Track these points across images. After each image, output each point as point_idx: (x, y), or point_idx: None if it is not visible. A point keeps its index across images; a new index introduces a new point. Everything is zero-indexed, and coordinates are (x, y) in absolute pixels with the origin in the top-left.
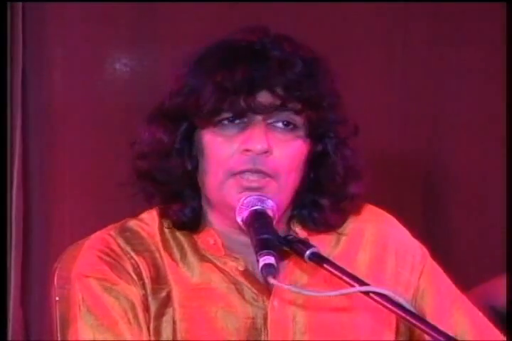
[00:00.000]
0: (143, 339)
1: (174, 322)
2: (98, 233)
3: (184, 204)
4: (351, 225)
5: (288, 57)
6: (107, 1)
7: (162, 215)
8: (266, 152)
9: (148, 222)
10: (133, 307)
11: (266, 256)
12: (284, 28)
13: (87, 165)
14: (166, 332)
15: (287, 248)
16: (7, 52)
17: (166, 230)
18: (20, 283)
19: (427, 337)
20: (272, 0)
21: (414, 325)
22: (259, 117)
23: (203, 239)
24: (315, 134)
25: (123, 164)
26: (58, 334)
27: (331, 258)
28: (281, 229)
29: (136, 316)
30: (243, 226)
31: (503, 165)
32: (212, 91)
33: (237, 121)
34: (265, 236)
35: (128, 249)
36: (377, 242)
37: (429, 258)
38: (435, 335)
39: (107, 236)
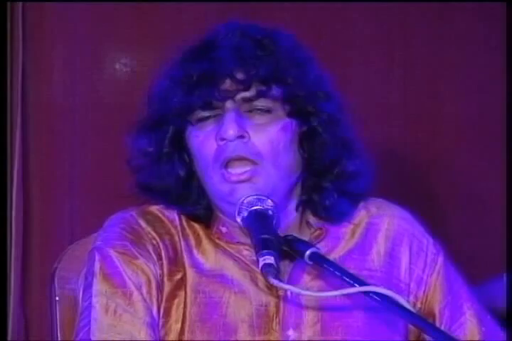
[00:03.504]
0: (153, 314)
1: (185, 306)
2: (119, 213)
3: (194, 203)
4: (367, 219)
5: (244, 41)
6: (107, 1)
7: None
8: (240, 137)
9: (168, 208)
10: (149, 282)
11: (266, 256)
12: (283, 28)
13: (87, 165)
14: (176, 315)
15: (287, 248)
16: (7, 52)
17: (183, 217)
18: (20, 283)
19: (426, 336)
20: (272, 0)
21: (414, 324)
22: (229, 107)
23: (216, 228)
24: (295, 113)
25: (123, 164)
26: (58, 334)
27: (345, 253)
28: (291, 217)
29: (150, 292)
30: (243, 226)
31: (503, 165)
32: (179, 90)
33: (212, 117)
34: (265, 236)
35: (149, 229)
36: (392, 237)
37: (442, 256)
38: (435, 335)
39: (129, 216)
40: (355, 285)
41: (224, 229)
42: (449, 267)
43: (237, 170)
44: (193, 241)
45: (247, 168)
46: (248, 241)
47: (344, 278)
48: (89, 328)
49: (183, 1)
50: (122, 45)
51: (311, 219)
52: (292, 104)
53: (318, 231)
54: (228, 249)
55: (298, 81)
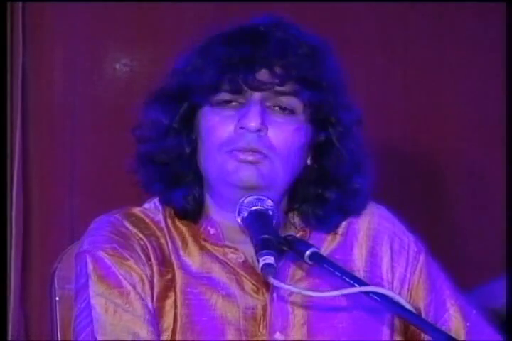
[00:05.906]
0: (151, 311)
1: (175, 307)
2: (103, 217)
3: (186, 191)
4: (347, 219)
5: (290, 39)
6: (107, 1)
7: (165, 203)
8: (259, 130)
9: (153, 210)
10: (142, 282)
11: (266, 256)
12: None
13: (87, 164)
14: (169, 316)
15: (287, 248)
16: (7, 52)
17: (169, 219)
18: (20, 283)
19: (426, 336)
20: (272, 0)
21: (415, 324)
22: (256, 98)
23: (204, 228)
24: (316, 120)
25: (123, 164)
26: (58, 334)
27: (328, 254)
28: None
29: (144, 290)
30: (243, 226)
31: (504, 165)
32: (213, 68)
33: (235, 103)
34: (265, 236)
35: (136, 230)
36: (373, 236)
37: (423, 253)
38: (435, 335)
39: (113, 219)
40: (356, 285)
41: (212, 231)
42: (431, 264)
43: (245, 154)
44: (179, 243)
45: (257, 156)
46: (235, 244)
47: (344, 278)
48: (92, 328)
49: (182, 0)
50: (122, 45)
51: (296, 220)
52: (317, 109)
53: (301, 232)
54: (213, 251)
55: (331, 87)
